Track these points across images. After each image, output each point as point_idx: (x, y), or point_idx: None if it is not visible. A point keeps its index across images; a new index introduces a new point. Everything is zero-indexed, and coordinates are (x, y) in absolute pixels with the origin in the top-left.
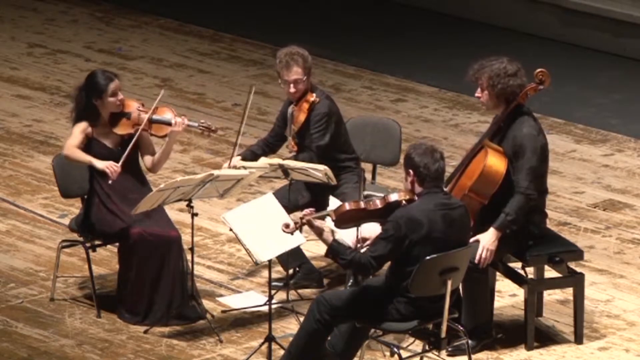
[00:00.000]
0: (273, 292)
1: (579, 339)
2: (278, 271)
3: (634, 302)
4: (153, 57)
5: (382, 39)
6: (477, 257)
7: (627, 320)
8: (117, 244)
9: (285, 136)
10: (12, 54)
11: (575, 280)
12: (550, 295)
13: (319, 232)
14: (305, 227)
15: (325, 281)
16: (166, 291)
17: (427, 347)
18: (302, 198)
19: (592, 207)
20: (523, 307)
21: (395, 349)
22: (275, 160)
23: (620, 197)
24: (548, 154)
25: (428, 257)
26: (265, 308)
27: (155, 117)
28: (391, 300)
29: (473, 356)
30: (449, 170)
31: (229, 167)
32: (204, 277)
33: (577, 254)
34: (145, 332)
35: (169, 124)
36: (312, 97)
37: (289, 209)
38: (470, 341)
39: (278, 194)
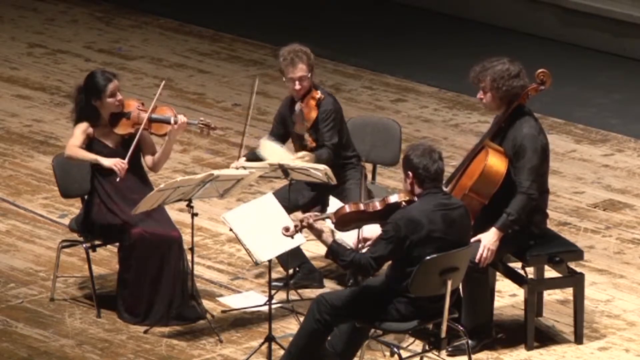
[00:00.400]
0: (273, 292)
1: (579, 339)
2: (278, 271)
3: (634, 302)
4: (153, 57)
5: (382, 39)
6: (478, 256)
7: (627, 320)
8: (117, 244)
9: (285, 137)
10: (12, 54)
11: (575, 280)
12: (550, 295)
13: (318, 234)
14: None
15: (325, 281)
16: (166, 291)
17: (427, 347)
18: (302, 198)
19: (592, 207)
20: (523, 307)
21: (395, 349)
22: (275, 160)
23: (620, 197)
24: (549, 154)
25: (428, 257)
26: (265, 308)
27: (154, 116)
28: (391, 300)
29: (473, 356)
30: (449, 171)
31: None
32: (204, 277)
33: (577, 254)
34: (145, 332)
35: (168, 122)
36: (318, 94)
37: (289, 209)
38: (470, 341)
39: (278, 194)
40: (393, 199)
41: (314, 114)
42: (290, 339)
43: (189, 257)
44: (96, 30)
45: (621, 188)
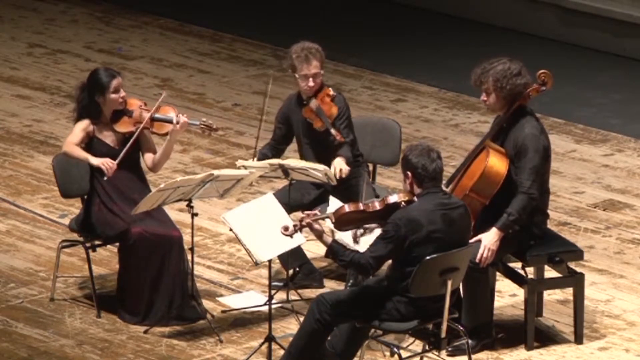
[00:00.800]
0: (273, 292)
1: (579, 339)
2: (278, 271)
3: (634, 302)
4: (153, 57)
5: (382, 39)
6: (479, 256)
7: (627, 320)
8: (117, 244)
9: (288, 138)
10: (12, 54)
11: (575, 280)
12: (550, 295)
13: (318, 234)
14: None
15: (326, 281)
16: (166, 291)
17: (427, 347)
18: (307, 196)
19: (592, 207)
20: (523, 307)
21: (395, 349)
22: (275, 160)
23: (620, 197)
24: (550, 155)
25: (428, 257)
26: (265, 308)
27: (157, 115)
28: (391, 300)
29: (473, 356)
30: (449, 171)
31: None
32: (204, 277)
33: (577, 254)
34: (145, 332)
35: (170, 122)
36: (330, 91)
37: (293, 208)
38: (470, 341)
39: (281, 193)
40: (393, 199)
41: (334, 110)
42: (290, 339)
43: (189, 257)
44: (96, 30)
45: (621, 188)
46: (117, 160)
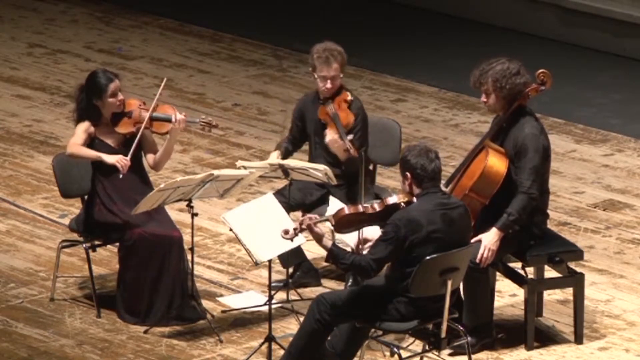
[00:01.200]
0: (273, 292)
1: (579, 339)
2: (278, 271)
3: (634, 302)
4: (153, 57)
5: (382, 39)
6: (479, 256)
7: (627, 320)
8: (117, 244)
9: (306, 135)
10: (12, 54)
11: (575, 280)
12: (550, 295)
13: (318, 238)
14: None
15: (325, 281)
16: (166, 292)
17: (427, 347)
18: (309, 196)
19: (592, 207)
20: (523, 307)
21: (395, 349)
22: (275, 160)
23: (620, 197)
24: (550, 155)
25: (428, 257)
26: (265, 308)
27: (156, 114)
28: (391, 300)
29: (473, 356)
30: (449, 171)
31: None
32: (204, 277)
33: (577, 254)
34: (145, 332)
35: (170, 121)
36: (348, 96)
37: (294, 207)
38: (470, 338)
39: (282, 193)
40: (392, 200)
41: (351, 118)
42: (290, 339)
43: (189, 257)
44: (96, 30)
45: (621, 188)
46: (129, 156)
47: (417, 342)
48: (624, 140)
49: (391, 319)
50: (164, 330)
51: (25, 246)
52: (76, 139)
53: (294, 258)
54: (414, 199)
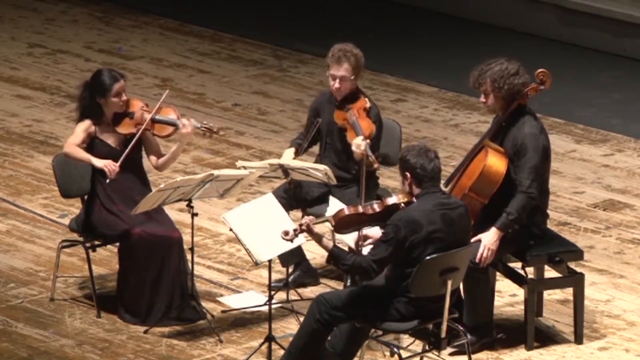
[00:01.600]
0: (273, 292)
1: (579, 339)
2: (278, 271)
3: (634, 302)
4: (153, 57)
5: (382, 39)
6: (478, 256)
7: (627, 320)
8: (117, 244)
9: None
10: (12, 54)
11: (575, 280)
12: (550, 295)
13: (318, 239)
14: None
15: (325, 281)
16: (166, 292)
17: (427, 347)
18: (310, 193)
19: (592, 207)
20: (523, 307)
21: (395, 349)
22: (275, 160)
23: (620, 197)
24: (550, 154)
25: (428, 257)
26: (265, 308)
27: (157, 117)
28: (391, 300)
29: (473, 356)
30: (449, 170)
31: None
32: (204, 277)
33: (577, 254)
34: (145, 332)
35: (172, 124)
36: (367, 104)
37: (294, 204)
38: (470, 336)
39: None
40: (392, 200)
41: (373, 128)
42: (290, 339)
43: (189, 257)
44: (96, 30)
45: (621, 188)
46: (119, 162)
47: (417, 342)
48: (624, 140)
49: (391, 319)
50: (164, 330)
51: (25, 246)
52: (74, 138)
53: (293, 257)
54: (414, 199)
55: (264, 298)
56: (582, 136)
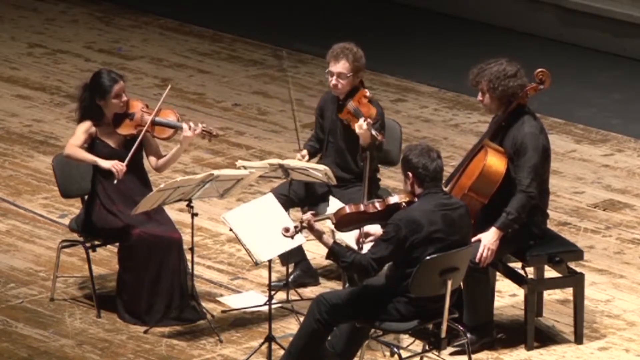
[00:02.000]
0: (273, 292)
1: (579, 339)
2: (278, 271)
3: (634, 302)
4: (153, 57)
5: (382, 39)
6: (478, 256)
7: (627, 320)
8: (117, 244)
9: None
10: (12, 54)
11: (575, 280)
12: (550, 295)
13: (319, 236)
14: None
15: (325, 281)
16: (166, 292)
17: (427, 347)
18: (311, 193)
19: (592, 207)
20: (523, 307)
21: (395, 349)
22: (275, 160)
23: (620, 197)
24: (550, 154)
25: (428, 257)
26: (265, 308)
27: (158, 119)
28: (391, 300)
29: (473, 356)
30: (449, 170)
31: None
32: (204, 277)
33: (577, 254)
34: (145, 332)
35: (172, 127)
36: (367, 92)
37: (294, 203)
38: (470, 335)
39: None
40: (393, 199)
41: (373, 111)
42: (290, 339)
43: (188, 257)
44: (96, 30)
45: (621, 188)
46: (125, 162)
47: (417, 342)
48: (624, 140)
49: (391, 319)
50: (164, 330)
51: (25, 246)
52: (75, 139)
53: (293, 256)
54: (416, 199)
55: (264, 298)
56: (582, 136)
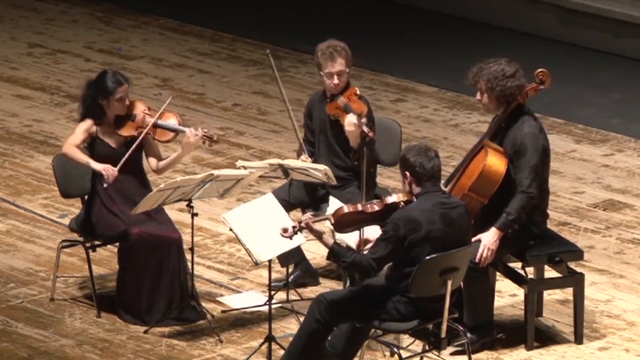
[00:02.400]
0: (273, 292)
1: (579, 339)
2: (278, 271)
3: (634, 302)
4: (153, 57)
5: (382, 39)
6: (478, 256)
7: (627, 320)
8: (117, 244)
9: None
10: (12, 54)
11: (575, 280)
12: (550, 295)
13: (318, 236)
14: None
15: (325, 281)
16: (166, 292)
17: (427, 347)
18: (310, 195)
19: (592, 207)
20: (523, 307)
21: (395, 349)
22: (275, 160)
23: (620, 197)
24: (550, 154)
25: (428, 257)
26: (265, 308)
27: (160, 122)
28: (391, 300)
29: (473, 356)
30: (449, 170)
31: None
32: (204, 277)
33: (577, 254)
34: (145, 332)
35: (173, 131)
36: (357, 90)
37: (294, 205)
38: (470, 335)
39: (281, 190)
40: (391, 199)
41: (364, 108)
42: (290, 339)
43: (188, 257)
44: (96, 30)
45: (621, 188)
46: (117, 167)
47: (417, 342)
48: (624, 140)
49: (391, 318)
50: (164, 330)
51: (25, 246)
52: (74, 138)
53: (292, 257)
54: (414, 199)
55: (264, 298)
56: (582, 136)
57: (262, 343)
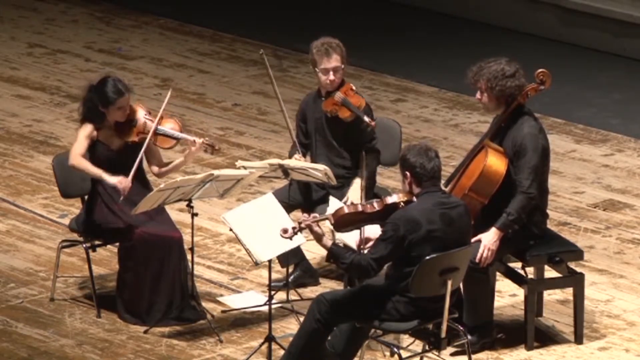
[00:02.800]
0: (273, 292)
1: (579, 339)
2: (278, 271)
3: (634, 302)
4: (153, 57)
5: (382, 39)
6: (478, 256)
7: (627, 320)
8: (117, 244)
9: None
10: (12, 54)
11: (575, 280)
12: (550, 295)
13: (318, 237)
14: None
15: (325, 281)
16: (166, 292)
17: (427, 347)
18: (310, 196)
19: (592, 207)
20: (523, 307)
21: (395, 349)
22: (275, 160)
23: (620, 197)
24: (549, 154)
25: (428, 257)
26: (265, 308)
27: (161, 129)
28: (391, 300)
29: (473, 356)
30: (449, 170)
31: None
32: (204, 277)
33: (577, 254)
34: (145, 332)
35: (174, 138)
36: (353, 86)
37: (294, 206)
38: (470, 336)
39: (281, 192)
40: (391, 199)
41: (362, 101)
42: (290, 339)
43: (189, 257)
44: (96, 30)
45: (621, 188)
46: (130, 177)
47: (417, 342)
48: (624, 140)
49: (391, 318)
50: (164, 330)
51: (25, 246)
52: (79, 147)
53: (292, 257)
54: (414, 199)
55: (264, 298)
56: (582, 136)
57: (262, 343)
